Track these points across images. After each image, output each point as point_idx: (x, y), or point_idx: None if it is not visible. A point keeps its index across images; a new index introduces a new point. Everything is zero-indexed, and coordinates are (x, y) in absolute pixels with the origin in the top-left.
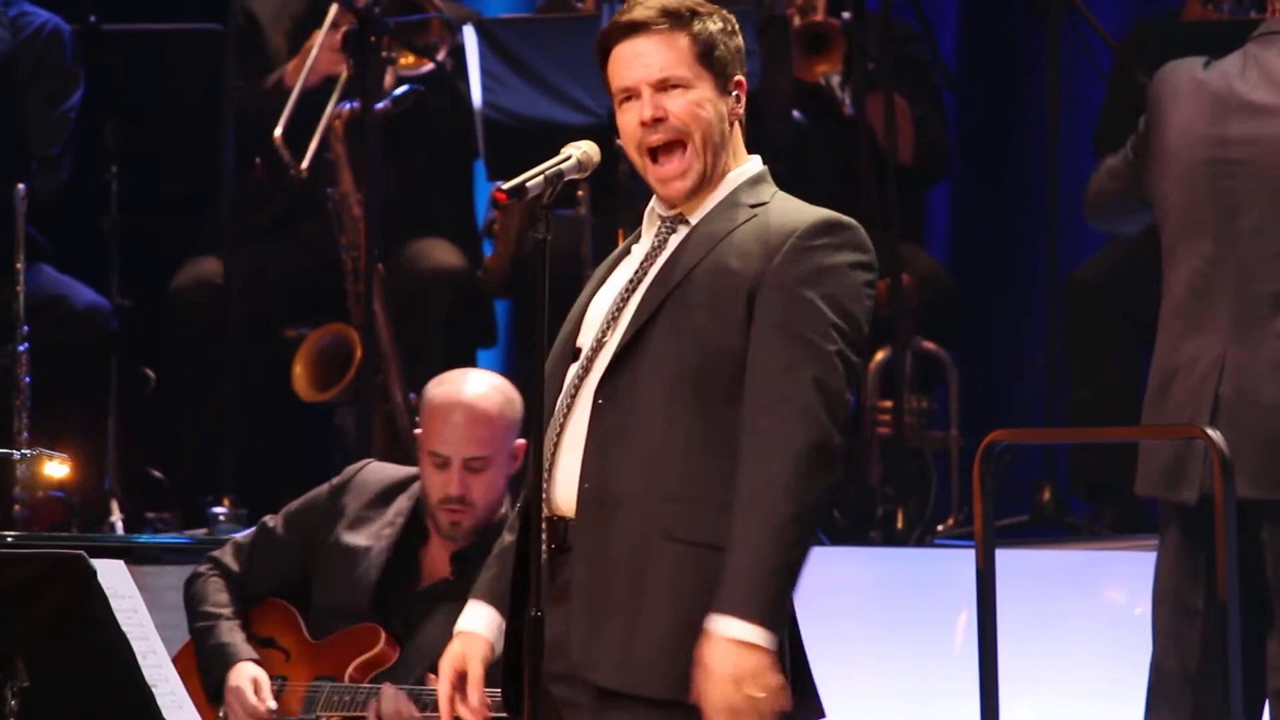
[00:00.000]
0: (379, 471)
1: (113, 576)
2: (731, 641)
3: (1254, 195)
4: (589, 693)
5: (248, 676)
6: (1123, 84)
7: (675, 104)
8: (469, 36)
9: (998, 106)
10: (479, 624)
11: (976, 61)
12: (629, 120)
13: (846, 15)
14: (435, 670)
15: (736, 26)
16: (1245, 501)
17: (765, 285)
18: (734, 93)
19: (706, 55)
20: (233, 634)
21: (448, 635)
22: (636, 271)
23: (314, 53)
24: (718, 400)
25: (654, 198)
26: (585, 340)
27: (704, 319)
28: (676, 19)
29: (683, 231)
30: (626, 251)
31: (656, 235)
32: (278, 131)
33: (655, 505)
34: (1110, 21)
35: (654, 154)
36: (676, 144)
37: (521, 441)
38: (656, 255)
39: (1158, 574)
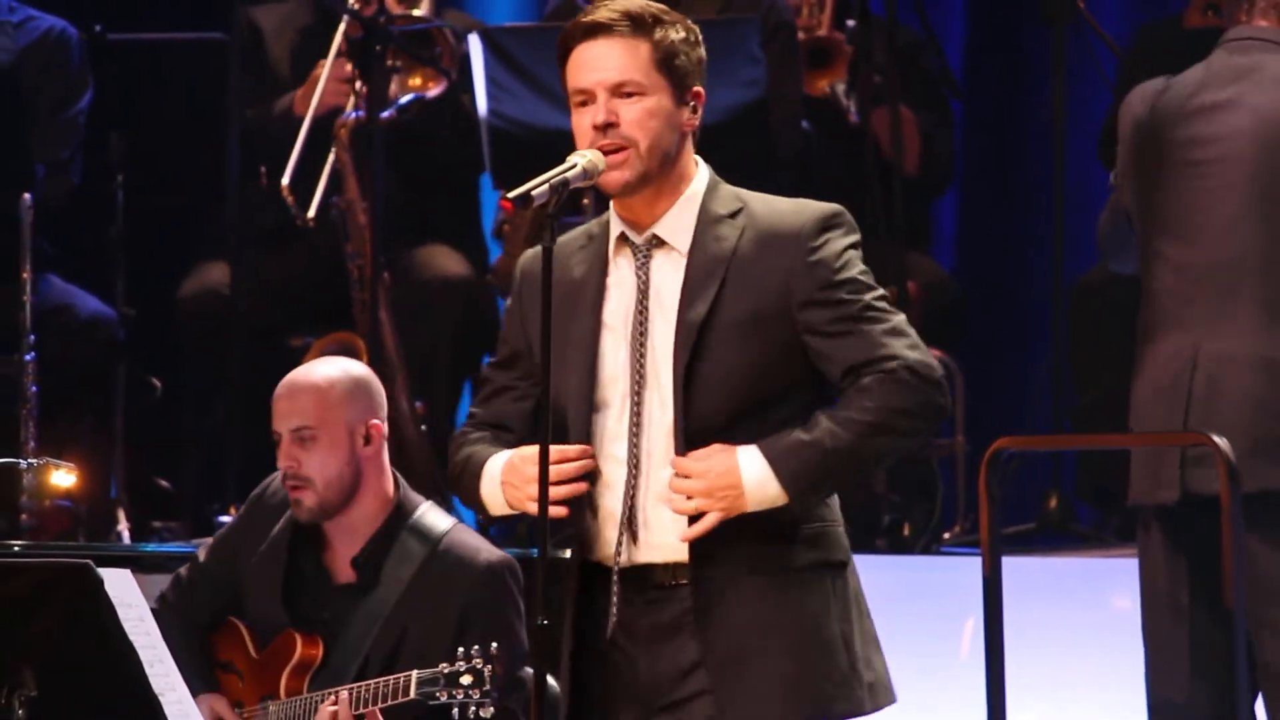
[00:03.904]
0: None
1: (119, 585)
2: (749, 483)
3: (1226, 191)
4: None
5: (208, 712)
6: (1128, 91)
7: (628, 111)
8: (474, 45)
9: (1004, 114)
10: None
11: (983, 69)
12: (583, 122)
13: (851, 23)
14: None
15: (700, 37)
16: (1213, 498)
17: (805, 301)
18: (691, 103)
19: (666, 63)
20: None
21: (368, 633)
22: (637, 310)
23: (321, 84)
24: (778, 420)
25: (613, 220)
26: (615, 392)
27: (755, 352)
28: (639, 24)
29: (671, 255)
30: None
31: (637, 263)
32: (285, 180)
33: (759, 546)
34: (1117, 28)
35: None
36: (622, 149)
37: (377, 423)
38: (648, 285)
39: (1143, 578)
